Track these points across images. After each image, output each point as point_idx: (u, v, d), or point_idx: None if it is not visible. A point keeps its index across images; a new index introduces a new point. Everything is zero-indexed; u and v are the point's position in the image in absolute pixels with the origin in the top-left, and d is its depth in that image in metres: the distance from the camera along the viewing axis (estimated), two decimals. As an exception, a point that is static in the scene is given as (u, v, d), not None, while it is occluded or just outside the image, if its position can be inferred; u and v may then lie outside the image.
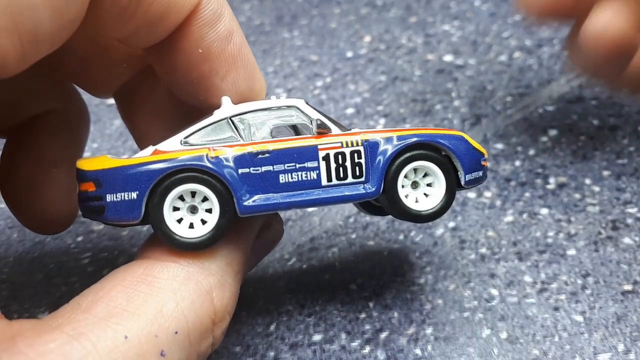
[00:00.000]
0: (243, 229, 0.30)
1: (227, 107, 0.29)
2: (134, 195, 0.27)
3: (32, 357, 0.22)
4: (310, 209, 0.42)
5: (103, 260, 0.40)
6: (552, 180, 0.43)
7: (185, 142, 0.28)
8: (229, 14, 0.29)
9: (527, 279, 0.36)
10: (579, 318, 0.34)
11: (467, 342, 0.33)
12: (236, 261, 0.29)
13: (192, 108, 0.32)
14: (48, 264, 0.40)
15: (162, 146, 0.28)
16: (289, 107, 0.30)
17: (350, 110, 0.51)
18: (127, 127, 0.37)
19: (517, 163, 0.45)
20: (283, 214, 0.42)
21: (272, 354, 0.33)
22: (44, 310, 0.36)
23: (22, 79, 0.32)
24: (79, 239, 0.41)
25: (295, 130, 0.31)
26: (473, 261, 0.38)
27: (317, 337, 0.34)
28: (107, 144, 0.50)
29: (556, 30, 0.58)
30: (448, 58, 0.56)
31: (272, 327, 0.35)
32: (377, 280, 0.37)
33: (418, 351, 0.33)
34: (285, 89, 0.54)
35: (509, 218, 0.41)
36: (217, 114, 0.29)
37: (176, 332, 0.25)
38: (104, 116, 0.53)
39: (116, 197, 0.27)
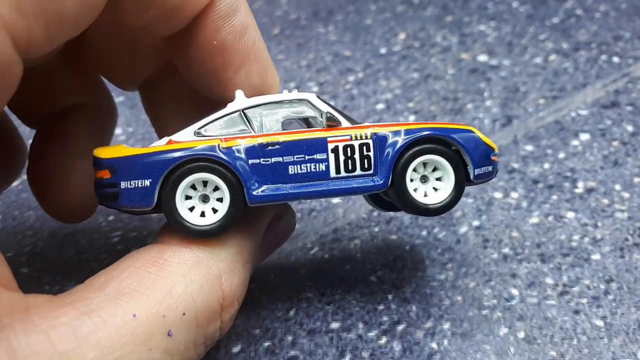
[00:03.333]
0: (254, 220, 0.31)
1: (240, 100, 0.30)
2: (147, 182, 0.28)
3: (43, 329, 0.23)
4: (334, 201, 0.43)
5: (132, 239, 0.41)
6: (580, 184, 0.43)
7: (199, 133, 0.29)
8: (245, 9, 0.30)
9: (549, 280, 0.36)
10: (600, 323, 0.34)
11: (484, 339, 0.33)
12: (246, 250, 0.30)
13: (212, 102, 0.33)
14: (80, 240, 0.41)
15: (176, 137, 0.29)
16: (300, 100, 0.30)
17: (380, 106, 0.51)
18: (150, 118, 0.38)
19: (546, 165, 0.45)
20: (307, 205, 0.43)
21: (290, 338, 0.34)
22: (74, 283, 0.38)
23: (53, 71, 0.34)
24: (110, 217, 0.43)
25: (307, 123, 0.31)
26: (495, 260, 0.38)
27: (334, 325, 0.35)
28: (142, 129, 0.51)
29: (594, 34, 0.57)
30: (482, 58, 0.56)
31: (292, 313, 0.35)
32: (397, 274, 0.37)
33: (434, 345, 0.33)
34: (317, 82, 0.54)
35: (534, 220, 0.40)
36: (230, 107, 0.30)
37: (184, 314, 0.26)
38: (139, 102, 0.54)
39: (130, 185, 0.28)
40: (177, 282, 0.26)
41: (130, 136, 0.50)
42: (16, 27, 0.22)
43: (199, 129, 0.29)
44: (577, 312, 0.34)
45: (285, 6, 0.64)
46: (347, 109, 0.51)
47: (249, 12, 0.30)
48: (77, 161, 0.34)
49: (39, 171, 0.35)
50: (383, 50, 0.58)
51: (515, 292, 0.36)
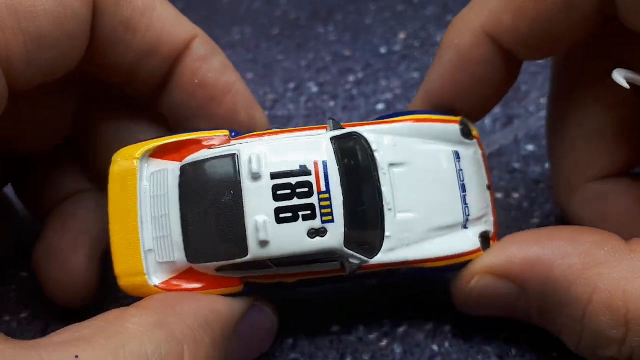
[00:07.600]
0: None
1: (268, 251, 0.28)
2: None
3: None
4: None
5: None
6: (582, 184, 0.43)
7: (220, 270, 0.29)
8: (222, 55, 0.32)
9: (551, 281, 0.36)
10: (602, 323, 0.33)
11: (486, 340, 0.33)
12: (218, 325, 0.27)
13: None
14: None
15: (197, 267, 0.29)
16: (329, 253, 0.28)
17: (380, 106, 0.51)
18: None
19: (547, 165, 0.44)
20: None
21: (290, 341, 0.34)
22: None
23: (60, 162, 0.37)
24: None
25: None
26: (496, 261, 0.38)
27: (335, 328, 0.34)
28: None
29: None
30: (483, 57, 0.56)
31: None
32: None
33: (435, 347, 0.33)
34: (317, 82, 0.54)
35: (536, 220, 0.40)
36: (254, 255, 0.28)
37: None
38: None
39: None
40: (133, 338, 0.24)
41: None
42: None
43: (220, 266, 0.29)
44: (579, 313, 0.34)
45: (285, 6, 0.64)
46: (347, 109, 0.51)
47: (226, 60, 0.33)
48: (79, 240, 0.34)
49: (40, 250, 0.35)
50: (383, 50, 0.57)
51: (516, 293, 0.35)
